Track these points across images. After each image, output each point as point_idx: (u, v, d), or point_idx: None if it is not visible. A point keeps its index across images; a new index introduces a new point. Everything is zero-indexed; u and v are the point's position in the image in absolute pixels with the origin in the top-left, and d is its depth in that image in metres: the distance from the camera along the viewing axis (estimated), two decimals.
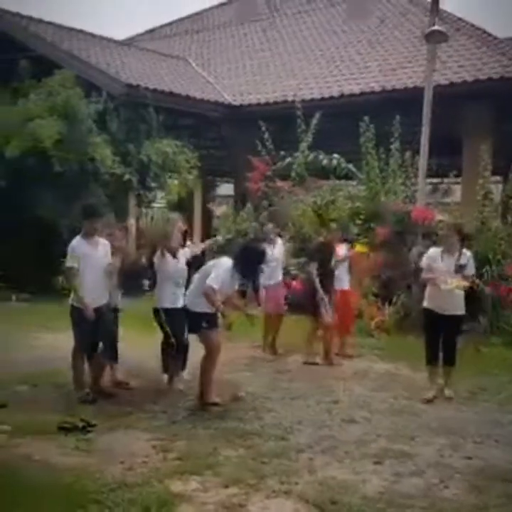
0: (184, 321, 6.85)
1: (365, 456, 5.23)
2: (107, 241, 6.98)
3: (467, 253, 7.11)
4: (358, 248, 9.60)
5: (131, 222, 8.13)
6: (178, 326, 6.90)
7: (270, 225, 9.77)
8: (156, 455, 5.24)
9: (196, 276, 6.82)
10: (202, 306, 6.54)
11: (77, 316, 6.71)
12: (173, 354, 7.07)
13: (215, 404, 6.54)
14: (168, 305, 6.92)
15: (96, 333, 6.81)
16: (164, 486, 4.57)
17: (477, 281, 8.60)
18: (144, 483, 4.60)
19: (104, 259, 6.84)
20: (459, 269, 6.93)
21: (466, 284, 6.86)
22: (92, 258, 6.71)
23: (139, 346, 8.28)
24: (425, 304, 7.17)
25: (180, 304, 6.89)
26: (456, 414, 6.51)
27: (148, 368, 7.66)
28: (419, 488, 4.65)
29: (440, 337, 7.07)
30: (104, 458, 5.20)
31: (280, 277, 9.42)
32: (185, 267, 7.09)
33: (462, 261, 6.99)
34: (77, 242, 6.76)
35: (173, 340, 6.95)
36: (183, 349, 7.10)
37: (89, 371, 7.01)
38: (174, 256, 7.04)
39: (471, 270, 7.08)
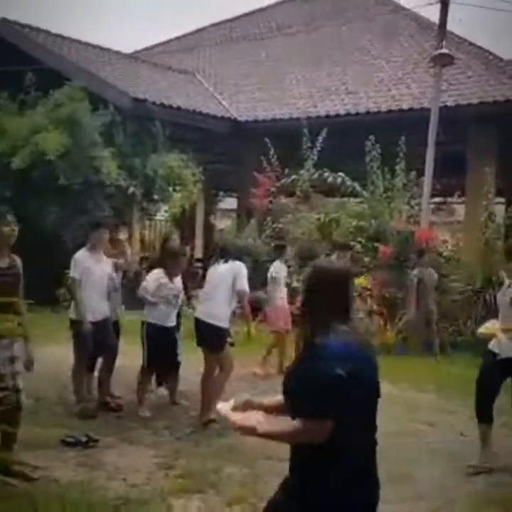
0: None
1: None
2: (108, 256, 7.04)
3: None
4: (361, 280, 9.69)
5: (122, 236, 8.06)
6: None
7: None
8: (159, 472, 5.23)
9: (210, 286, 6.80)
10: (224, 320, 6.55)
11: (77, 329, 6.73)
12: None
13: (213, 421, 6.48)
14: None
15: (96, 347, 6.83)
16: (167, 504, 4.56)
17: None
18: (148, 501, 4.59)
19: (107, 274, 6.88)
20: None
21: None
22: (95, 272, 6.74)
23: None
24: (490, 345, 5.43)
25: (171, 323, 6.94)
26: (460, 437, 6.48)
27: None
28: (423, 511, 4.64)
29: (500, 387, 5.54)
30: (107, 474, 5.20)
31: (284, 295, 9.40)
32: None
33: None
34: (81, 254, 6.80)
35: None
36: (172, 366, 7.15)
37: (97, 384, 7.03)
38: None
39: None
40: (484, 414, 5.45)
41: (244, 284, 6.59)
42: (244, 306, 6.91)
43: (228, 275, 6.61)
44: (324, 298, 2.58)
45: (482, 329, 5.52)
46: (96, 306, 6.78)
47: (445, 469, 5.48)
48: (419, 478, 5.27)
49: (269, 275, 9.04)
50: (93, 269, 6.73)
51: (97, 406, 6.86)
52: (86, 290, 6.68)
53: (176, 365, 7.15)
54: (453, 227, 16.49)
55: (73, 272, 6.73)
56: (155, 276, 6.96)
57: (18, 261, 5.12)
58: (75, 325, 6.75)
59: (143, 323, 6.98)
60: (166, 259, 7.11)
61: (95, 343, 6.77)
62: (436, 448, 6.03)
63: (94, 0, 64.29)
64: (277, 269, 9.00)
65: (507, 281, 5.40)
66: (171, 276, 6.96)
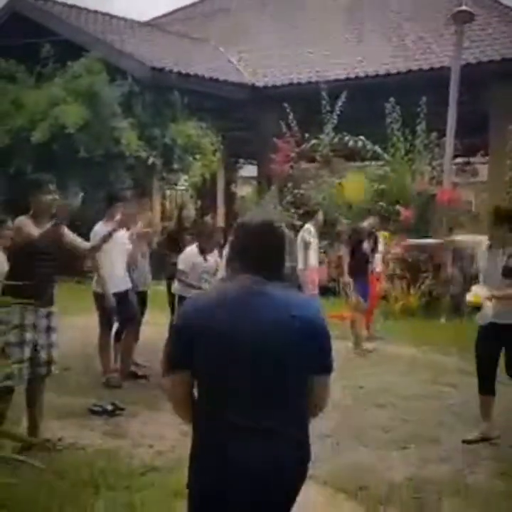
0: None
1: (391, 442, 5.25)
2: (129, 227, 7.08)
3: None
4: (383, 234, 9.61)
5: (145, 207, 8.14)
6: None
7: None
8: (185, 439, 5.30)
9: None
10: None
11: (100, 301, 6.83)
12: None
13: None
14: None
15: (119, 318, 6.94)
16: None
17: None
18: (173, 469, 4.67)
19: (125, 245, 6.95)
20: (509, 272, 5.09)
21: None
22: (113, 244, 6.79)
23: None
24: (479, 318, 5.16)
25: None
26: None
27: None
28: (446, 473, 4.67)
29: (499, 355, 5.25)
30: (133, 441, 5.30)
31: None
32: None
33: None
34: (99, 226, 6.86)
35: None
36: None
37: (120, 354, 7.15)
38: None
39: None
40: (486, 387, 5.28)
41: None
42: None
43: None
44: (230, 250, 2.57)
45: (471, 297, 5.11)
46: (117, 277, 6.86)
47: (467, 432, 5.49)
48: (442, 441, 5.30)
49: (299, 239, 8.91)
50: (112, 241, 6.78)
51: (122, 375, 6.98)
52: (106, 262, 6.75)
53: None
54: (477, 188, 16.31)
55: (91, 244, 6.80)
56: (188, 256, 6.95)
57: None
58: (99, 297, 6.85)
59: (173, 294, 7.03)
60: (198, 235, 7.14)
61: (118, 314, 6.87)
62: (458, 410, 6.05)
63: None
64: (308, 233, 8.93)
65: (497, 250, 5.14)
66: (204, 253, 6.97)
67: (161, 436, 5.34)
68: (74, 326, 8.21)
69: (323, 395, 2.44)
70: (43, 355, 4.99)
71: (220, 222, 19.47)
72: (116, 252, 6.81)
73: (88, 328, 7.93)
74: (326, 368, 2.39)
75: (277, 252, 2.51)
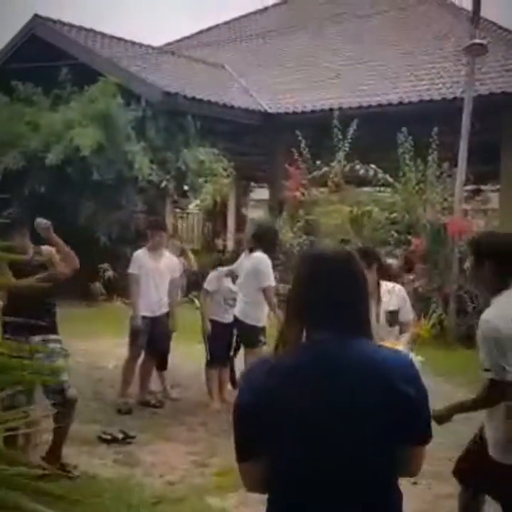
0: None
1: (402, 479, 5.20)
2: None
3: (396, 288, 4.92)
4: None
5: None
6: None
7: None
8: (195, 469, 5.30)
9: (239, 282, 6.80)
10: (253, 318, 6.55)
11: (132, 324, 6.91)
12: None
13: None
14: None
15: (151, 343, 6.98)
16: (204, 503, 4.63)
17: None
18: (184, 499, 4.67)
19: (166, 272, 7.03)
20: (391, 317, 4.75)
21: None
22: (153, 270, 6.92)
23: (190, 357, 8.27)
24: None
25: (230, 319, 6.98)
26: None
27: (194, 379, 7.68)
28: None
29: None
30: (144, 470, 5.29)
31: None
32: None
33: (391, 305, 4.76)
34: (141, 252, 7.06)
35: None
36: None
37: (139, 379, 7.15)
38: None
39: (406, 315, 4.91)
40: None
41: (265, 280, 6.35)
42: (269, 301, 6.44)
43: (251, 270, 6.51)
44: (295, 295, 2.01)
45: None
46: (152, 302, 6.95)
47: None
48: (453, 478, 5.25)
49: None
50: (151, 267, 6.93)
51: (136, 402, 7.00)
52: (143, 286, 6.84)
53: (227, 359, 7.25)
54: (488, 216, 16.32)
55: (130, 268, 6.99)
56: (216, 275, 7.09)
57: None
58: (132, 320, 6.93)
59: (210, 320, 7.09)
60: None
61: (149, 339, 6.94)
62: None
63: None
64: None
65: None
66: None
67: (172, 466, 5.33)
68: (82, 350, 8.24)
69: (420, 463, 2.08)
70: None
71: (231, 245, 19.52)
72: (153, 279, 6.91)
73: (96, 352, 7.97)
74: (428, 438, 2.03)
75: (362, 294, 1.99)
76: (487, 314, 3.27)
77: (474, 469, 3.67)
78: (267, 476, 1.94)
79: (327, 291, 1.92)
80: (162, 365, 7.35)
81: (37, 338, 4.97)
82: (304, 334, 1.94)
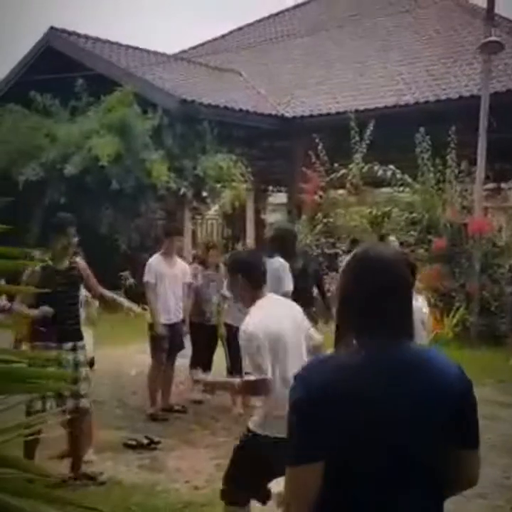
0: None
1: None
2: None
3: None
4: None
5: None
6: None
7: None
8: (219, 474, 5.30)
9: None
10: None
11: (153, 332, 6.93)
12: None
13: None
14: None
15: (171, 348, 7.01)
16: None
17: None
18: (210, 503, 4.67)
19: (181, 278, 7.06)
20: None
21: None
22: (168, 276, 6.95)
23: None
24: None
25: None
26: None
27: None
28: (484, 510, 4.61)
29: None
30: (168, 476, 5.31)
31: None
32: None
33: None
34: (155, 258, 7.05)
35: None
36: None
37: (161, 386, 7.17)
38: None
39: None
40: None
41: (284, 285, 6.25)
42: None
43: (270, 275, 6.48)
44: (347, 299, 1.98)
45: None
46: (169, 308, 6.97)
47: (505, 466, 5.42)
48: (480, 477, 5.21)
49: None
50: (167, 274, 6.95)
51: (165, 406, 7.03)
52: (160, 293, 6.87)
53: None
54: (508, 214, 16.19)
55: (147, 276, 6.99)
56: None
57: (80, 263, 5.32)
58: (152, 328, 6.94)
59: (224, 324, 7.09)
60: None
61: (169, 345, 6.96)
62: (496, 444, 5.96)
63: (140, 2, 64.92)
64: None
65: None
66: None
67: (197, 471, 5.35)
68: (107, 357, 8.27)
69: (479, 467, 2.06)
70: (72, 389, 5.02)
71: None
72: (169, 285, 6.94)
73: (119, 359, 8.01)
74: (478, 441, 2.01)
75: (411, 296, 2.02)
76: (246, 324, 3.65)
77: None
78: (319, 484, 1.85)
79: (383, 293, 1.90)
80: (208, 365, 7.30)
81: (67, 345, 5.04)
82: (355, 336, 1.93)
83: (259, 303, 3.73)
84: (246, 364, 3.60)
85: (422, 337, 4.89)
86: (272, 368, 3.57)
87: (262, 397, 3.71)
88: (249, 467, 3.75)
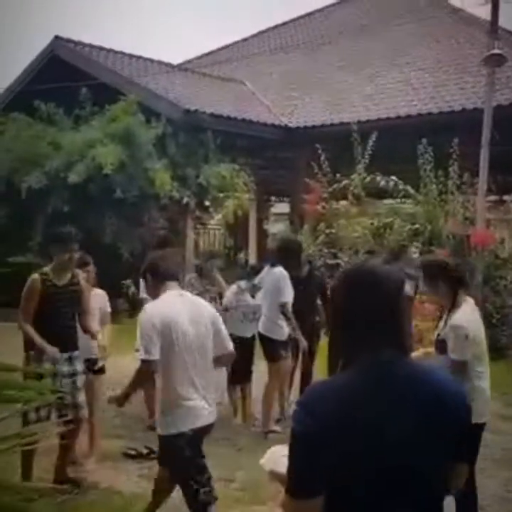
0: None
1: None
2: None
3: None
4: None
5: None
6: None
7: None
8: (219, 483, 5.28)
9: (261, 296, 6.82)
10: (273, 332, 6.57)
11: None
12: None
13: (274, 431, 6.58)
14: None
15: None
16: None
17: None
18: None
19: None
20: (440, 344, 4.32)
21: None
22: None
23: None
24: None
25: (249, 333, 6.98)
26: None
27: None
28: None
29: None
30: None
31: None
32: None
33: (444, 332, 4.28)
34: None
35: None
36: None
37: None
38: None
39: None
40: None
41: (282, 296, 6.43)
42: (287, 317, 6.56)
43: (271, 285, 6.57)
44: (343, 315, 1.97)
45: None
46: None
47: (506, 479, 5.39)
48: (481, 489, 5.19)
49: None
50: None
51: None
52: None
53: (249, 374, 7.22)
54: (511, 226, 16.20)
55: (142, 293, 6.96)
56: (234, 291, 7.08)
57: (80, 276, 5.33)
58: None
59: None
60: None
61: None
62: (498, 458, 5.93)
63: (143, 12, 65.26)
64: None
65: None
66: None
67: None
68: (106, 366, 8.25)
69: (465, 477, 2.12)
70: (68, 399, 5.02)
71: (252, 259, 19.57)
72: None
73: (119, 368, 7.94)
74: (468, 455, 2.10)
75: (407, 311, 2.06)
76: (143, 309, 4.25)
77: None
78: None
79: (380, 309, 1.89)
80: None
81: (63, 356, 5.04)
82: (350, 352, 1.91)
83: (163, 296, 4.12)
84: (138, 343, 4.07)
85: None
86: (166, 356, 3.92)
87: (159, 390, 4.12)
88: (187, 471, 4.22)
